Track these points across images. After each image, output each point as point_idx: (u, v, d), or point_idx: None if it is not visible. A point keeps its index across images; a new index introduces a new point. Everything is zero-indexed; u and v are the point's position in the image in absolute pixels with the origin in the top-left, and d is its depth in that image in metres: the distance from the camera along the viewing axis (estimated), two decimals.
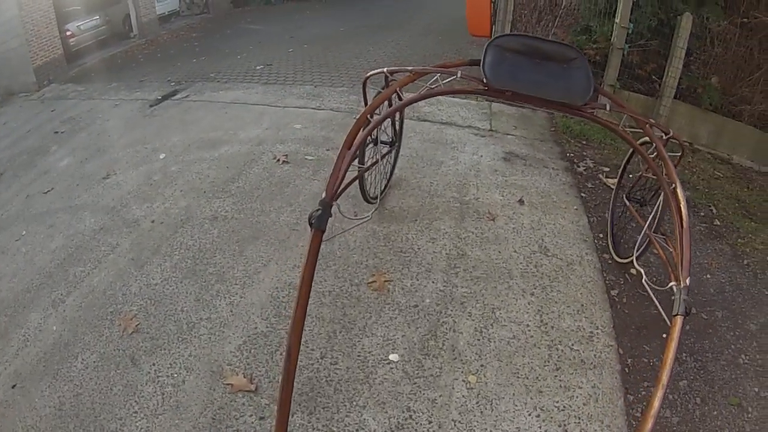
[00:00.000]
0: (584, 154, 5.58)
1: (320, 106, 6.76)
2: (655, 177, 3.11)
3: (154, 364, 3.03)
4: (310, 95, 7.26)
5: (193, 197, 4.72)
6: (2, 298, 3.90)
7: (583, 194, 4.66)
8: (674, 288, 2.06)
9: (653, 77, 6.65)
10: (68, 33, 12.24)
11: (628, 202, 3.78)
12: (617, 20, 6.05)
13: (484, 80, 2.83)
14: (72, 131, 7.42)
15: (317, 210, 2.08)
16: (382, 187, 4.28)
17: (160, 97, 8.18)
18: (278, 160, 5.25)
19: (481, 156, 5.15)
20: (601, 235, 4.17)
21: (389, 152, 4.19)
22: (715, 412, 2.88)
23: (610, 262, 3.90)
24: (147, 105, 7.89)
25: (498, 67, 2.87)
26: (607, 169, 5.28)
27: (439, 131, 5.77)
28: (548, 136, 5.75)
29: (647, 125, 3.09)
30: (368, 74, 3.47)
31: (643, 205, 3.81)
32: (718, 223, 5.14)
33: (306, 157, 5.30)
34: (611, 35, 6.20)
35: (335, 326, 3.21)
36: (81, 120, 7.86)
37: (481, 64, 2.88)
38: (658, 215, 3.27)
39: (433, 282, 3.53)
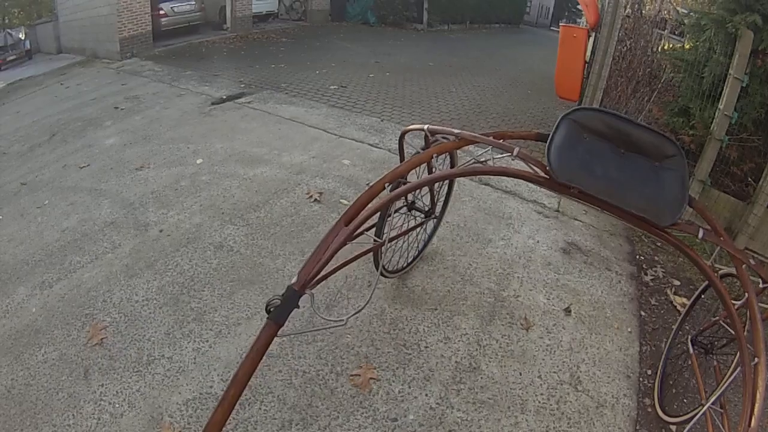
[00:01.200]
0: (656, 259, 4.90)
1: (378, 143, 6.33)
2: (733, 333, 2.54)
3: (102, 385, 2.90)
4: (372, 129, 6.87)
5: (209, 215, 4.54)
6: (4, 261, 4.09)
7: (642, 312, 4.00)
8: None
9: (749, 179, 5.88)
10: (161, 12, 12.72)
11: (691, 347, 3.14)
12: (721, 106, 5.29)
13: (548, 167, 2.23)
14: (130, 111, 7.55)
15: (279, 297, 1.78)
16: (409, 261, 3.78)
17: (224, 97, 8.14)
18: (311, 196, 4.88)
19: (538, 241, 4.53)
20: (649, 372, 3.53)
21: (422, 224, 3.65)
22: None
23: (649, 410, 3.28)
24: (209, 102, 7.89)
25: (568, 152, 2.26)
26: (677, 283, 4.60)
27: (498, 201, 5.18)
28: (620, 229, 5.09)
29: (743, 265, 2.42)
30: (406, 129, 2.94)
31: (708, 353, 3.17)
32: None
33: (341, 200, 4.89)
34: (711, 122, 5.45)
35: (294, 415, 2.77)
36: (143, 101, 8.01)
37: (547, 144, 2.28)
38: (724, 388, 2.60)
39: (426, 395, 2.98)
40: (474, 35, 19.91)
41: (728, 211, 5.78)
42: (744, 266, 2.42)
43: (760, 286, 2.53)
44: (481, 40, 18.91)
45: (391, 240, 3.29)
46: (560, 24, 5.78)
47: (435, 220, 3.90)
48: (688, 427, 2.66)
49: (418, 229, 3.67)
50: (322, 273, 1.99)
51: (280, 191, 4.94)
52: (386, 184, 2.30)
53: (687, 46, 5.93)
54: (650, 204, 2.20)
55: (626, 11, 6.16)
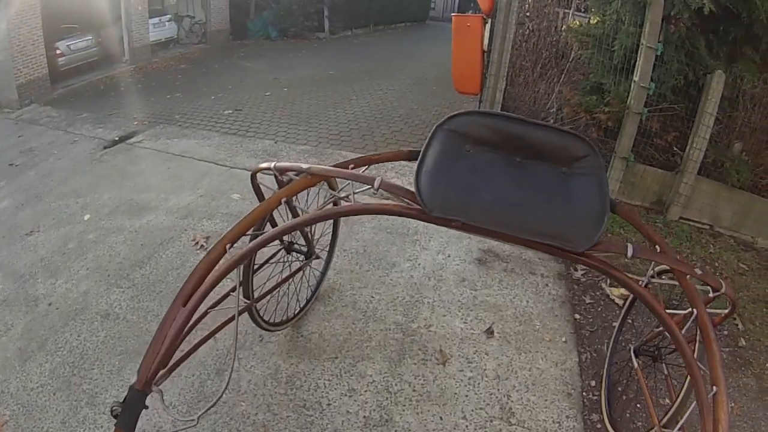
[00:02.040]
0: None
1: None
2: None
3: None
4: (265, 153, 6.39)
5: (95, 280, 4.04)
6: None
7: (577, 315, 3.61)
8: None
9: (674, 148, 5.63)
10: (57, 52, 11.98)
11: (635, 360, 2.70)
12: (636, 78, 5.01)
13: (418, 198, 1.72)
14: (25, 166, 7.07)
15: (121, 402, 1.52)
16: (297, 310, 3.28)
17: (116, 139, 7.65)
18: (197, 243, 4.39)
19: (449, 256, 4.05)
20: (593, 383, 3.14)
21: (304, 266, 3.14)
22: None
23: (599, 426, 2.89)
24: (101, 147, 7.38)
25: (445, 174, 1.75)
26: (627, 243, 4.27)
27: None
28: None
29: (686, 275, 1.97)
30: (256, 169, 2.36)
31: (657, 361, 2.79)
32: (744, 343, 4.30)
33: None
34: (628, 96, 5.16)
35: None
36: (38, 154, 7.52)
37: (417, 166, 1.77)
38: (675, 408, 2.29)
39: None
40: (378, 37, 19.58)
41: (657, 184, 5.55)
42: (686, 275, 1.97)
43: (710, 295, 2.12)
44: (385, 41, 18.58)
45: (265, 295, 2.82)
46: (452, 15, 5.37)
47: (326, 255, 3.47)
48: None
49: (304, 271, 3.20)
50: (170, 364, 1.73)
51: (165, 241, 4.48)
52: (227, 246, 1.81)
53: (593, 21, 5.70)
54: (560, 226, 1.72)
55: None
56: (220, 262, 1.79)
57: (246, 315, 2.79)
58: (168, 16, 15.73)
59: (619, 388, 3.09)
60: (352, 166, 2.14)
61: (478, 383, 2.91)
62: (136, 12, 13.75)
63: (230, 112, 8.69)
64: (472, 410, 2.76)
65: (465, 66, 5.14)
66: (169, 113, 8.91)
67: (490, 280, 3.76)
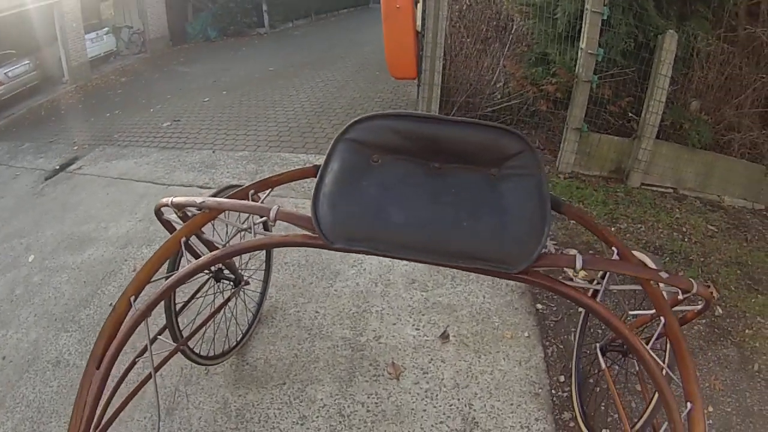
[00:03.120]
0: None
1: (209, 182, 5.56)
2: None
3: None
4: (203, 165, 6.12)
5: (43, 326, 3.87)
6: None
7: (539, 306, 3.41)
8: None
9: (629, 113, 5.48)
10: None
11: (602, 360, 2.51)
12: (582, 45, 4.83)
13: (317, 229, 1.45)
14: None
15: None
16: (238, 339, 3.03)
17: (57, 167, 7.37)
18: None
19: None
20: (562, 379, 2.95)
21: (235, 294, 2.88)
22: None
23: (572, 425, 2.72)
24: (42, 178, 7.11)
25: (347, 197, 1.46)
26: (574, 252, 4.04)
27: None
28: None
29: (649, 281, 1.71)
30: (158, 205, 2.10)
31: (627, 356, 2.62)
32: (720, 311, 4.22)
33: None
34: (575, 65, 4.97)
35: None
36: None
37: (314, 192, 1.47)
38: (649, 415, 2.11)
39: None
40: (320, 27, 19.11)
41: (614, 152, 5.42)
42: (649, 282, 1.71)
43: (679, 297, 1.90)
44: (326, 30, 18.11)
45: (196, 331, 2.58)
46: None
47: (263, 289, 3.24)
48: None
49: (239, 296, 2.96)
50: (101, 425, 1.58)
51: (107, 275, 4.25)
52: (131, 299, 1.57)
53: None
54: (490, 245, 1.43)
55: None
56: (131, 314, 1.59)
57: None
58: (105, 29, 15.34)
59: (591, 380, 2.93)
60: (253, 191, 1.88)
61: (436, 395, 2.70)
62: (71, 29, 13.38)
63: (169, 123, 8.41)
64: (432, 425, 2.56)
65: (399, 50, 4.90)
66: (108, 133, 8.66)
67: (441, 279, 3.53)
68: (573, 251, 1.50)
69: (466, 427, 2.54)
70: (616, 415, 2.83)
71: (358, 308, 3.25)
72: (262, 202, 1.99)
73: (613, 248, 1.80)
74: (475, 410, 2.63)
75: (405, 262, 3.50)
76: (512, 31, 5.56)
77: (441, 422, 2.56)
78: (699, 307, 2.00)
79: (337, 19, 20.51)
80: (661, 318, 1.65)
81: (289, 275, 3.58)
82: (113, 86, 12.94)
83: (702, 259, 4.80)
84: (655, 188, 5.72)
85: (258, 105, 8.81)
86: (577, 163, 5.35)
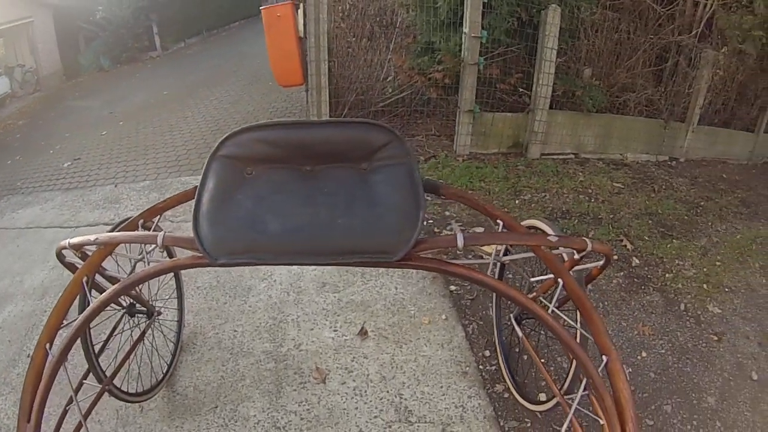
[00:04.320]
0: (447, 213, 4.42)
1: (114, 218, 5.36)
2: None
3: None
4: (107, 201, 5.89)
5: None
6: None
7: (452, 287, 3.46)
8: None
9: (520, 89, 5.62)
10: None
11: (519, 328, 2.57)
12: (466, 30, 4.93)
13: (200, 248, 1.44)
14: None
15: None
16: (164, 371, 2.94)
17: None
18: None
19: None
20: (487, 353, 3.01)
21: (147, 328, 2.78)
22: None
23: (506, 396, 2.78)
24: None
25: (225, 213, 1.48)
26: (481, 229, 4.15)
27: None
28: None
29: (542, 247, 1.80)
30: (58, 247, 1.95)
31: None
32: (637, 261, 4.38)
33: None
34: (460, 50, 5.06)
35: None
36: None
37: (193, 213, 1.48)
38: (569, 377, 2.18)
39: None
40: (212, 43, 18.64)
41: (510, 128, 5.55)
42: (542, 248, 1.81)
43: (576, 257, 1.93)
44: (219, 45, 17.77)
45: (118, 369, 2.46)
46: (261, 9, 5.05)
47: (179, 319, 3.16)
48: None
49: (155, 328, 2.91)
50: None
51: (31, 330, 3.99)
52: (47, 346, 1.58)
53: None
54: (367, 237, 1.46)
55: None
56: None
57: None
58: None
59: (516, 350, 2.99)
60: (142, 221, 1.89)
61: (365, 391, 2.70)
62: None
63: (69, 163, 8.03)
64: (367, 421, 2.55)
65: (283, 58, 4.87)
66: (11, 182, 8.18)
67: (351, 277, 3.53)
68: (455, 230, 1.50)
69: (400, 417, 2.55)
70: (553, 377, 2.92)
71: (274, 320, 3.22)
72: (153, 230, 1.98)
73: (499, 221, 1.87)
74: (406, 399, 2.64)
75: (313, 267, 3.50)
76: (397, 25, 5.61)
77: (375, 417, 2.56)
78: (601, 262, 2.05)
79: (228, 34, 20.08)
80: (559, 280, 1.73)
81: (202, 299, 3.50)
82: (11, 131, 12.31)
83: (611, 216, 4.94)
84: (555, 156, 5.87)
85: (155, 132, 8.58)
86: (474, 144, 5.46)
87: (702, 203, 6.12)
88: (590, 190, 5.40)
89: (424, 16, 5.30)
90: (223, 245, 1.44)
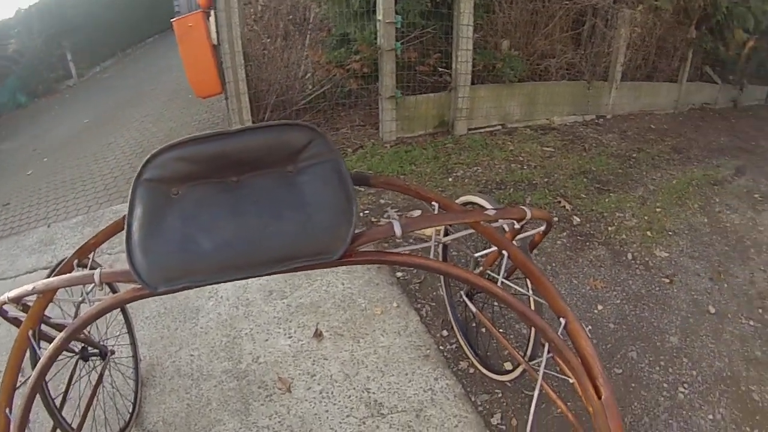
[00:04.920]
0: (381, 201, 4.42)
1: (52, 260, 5.09)
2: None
3: None
4: (42, 243, 5.66)
5: None
6: None
7: (399, 273, 3.49)
8: None
9: (440, 69, 5.66)
10: None
11: (471, 304, 2.61)
12: (380, 17, 4.91)
13: (138, 279, 1.38)
14: None
15: None
16: (130, 411, 2.81)
17: None
18: None
19: None
20: (445, 333, 3.03)
21: (103, 370, 2.66)
22: None
23: (472, 371, 2.82)
24: None
25: (154, 239, 1.41)
26: (417, 212, 4.19)
27: None
28: None
29: (479, 222, 1.76)
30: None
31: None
32: (578, 220, 4.49)
33: None
34: (376, 37, 5.05)
35: None
36: None
37: (125, 243, 1.39)
38: (531, 343, 2.24)
39: None
40: (128, 62, 17.71)
41: (434, 108, 5.59)
42: (477, 220, 1.76)
43: (516, 226, 1.95)
44: (135, 64, 17.08)
45: (83, 419, 2.37)
46: (172, 21, 4.90)
47: (130, 342, 3.03)
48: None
49: (111, 368, 2.80)
50: None
51: None
52: (6, 411, 1.50)
53: None
54: (301, 241, 1.43)
55: None
56: None
57: None
58: None
59: (474, 324, 3.00)
60: (77, 260, 1.83)
61: (332, 392, 2.67)
62: None
63: None
64: (340, 422, 2.53)
65: (199, 69, 4.73)
66: None
67: (297, 280, 3.48)
68: (391, 218, 1.51)
69: (371, 411, 2.54)
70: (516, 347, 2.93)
71: (228, 337, 3.14)
72: (90, 267, 1.90)
73: (433, 203, 1.87)
74: (373, 393, 2.64)
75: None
76: (310, 21, 5.57)
77: (347, 416, 2.55)
78: (543, 227, 2.08)
79: (143, 50, 19.43)
80: (504, 252, 1.73)
81: (153, 328, 3.36)
82: None
83: (546, 180, 5.03)
84: (482, 130, 5.95)
85: (80, 164, 8.29)
86: (400, 129, 5.47)
87: (634, 155, 6.31)
88: (521, 158, 5.49)
89: (337, 8, 5.28)
90: (160, 273, 1.38)
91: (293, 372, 2.80)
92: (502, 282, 1.80)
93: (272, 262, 1.40)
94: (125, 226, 1.42)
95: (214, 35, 4.65)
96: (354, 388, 2.67)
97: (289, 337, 3.02)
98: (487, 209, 1.80)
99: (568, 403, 2.04)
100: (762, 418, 2.97)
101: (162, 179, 1.47)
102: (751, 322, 3.68)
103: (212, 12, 4.74)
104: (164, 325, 3.26)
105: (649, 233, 4.49)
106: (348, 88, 5.31)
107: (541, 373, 1.64)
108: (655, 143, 7.05)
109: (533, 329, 2.17)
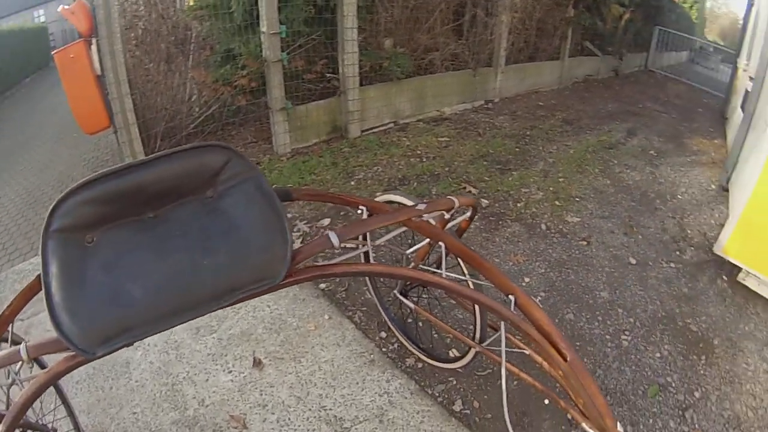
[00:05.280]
0: (288, 216, 4.30)
1: None
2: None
3: None
4: None
5: None
6: None
7: (322, 285, 3.46)
8: None
9: (328, 75, 5.66)
10: None
11: (408, 301, 2.65)
12: (264, 29, 4.83)
13: (71, 346, 1.20)
14: None
15: None
16: None
17: None
18: None
19: None
20: (383, 335, 3.05)
21: None
22: None
23: (420, 366, 2.85)
24: None
25: (78, 298, 1.22)
26: (327, 221, 4.19)
27: None
28: None
29: (410, 218, 1.72)
30: None
31: (425, 287, 2.74)
32: (487, 202, 4.63)
33: None
34: (262, 50, 4.97)
35: None
36: None
37: (47, 308, 1.20)
38: (479, 326, 2.26)
39: None
40: (5, 107, 15.54)
41: (326, 115, 5.62)
42: (409, 216, 1.73)
43: (446, 216, 1.98)
44: (14, 108, 14.82)
45: None
46: (53, 54, 4.58)
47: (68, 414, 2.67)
48: None
49: None
50: None
51: None
52: None
53: None
54: (239, 270, 1.32)
55: None
56: None
57: None
58: None
59: (410, 320, 3.03)
60: None
61: (288, 418, 2.58)
62: None
63: None
64: None
65: (83, 103, 4.42)
66: None
67: (222, 312, 3.27)
68: (327, 232, 1.47)
69: (334, 428, 2.48)
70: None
71: (166, 385, 2.92)
72: (10, 343, 1.73)
73: (360, 208, 1.86)
74: (330, 409, 2.58)
75: None
76: (192, 40, 5.41)
77: None
78: (469, 213, 2.13)
79: (23, 92, 18.09)
80: (440, 243, 1.74)
81: (87, 392, 3.02)
82: None
83: (447, 169, 5.13)
84: (376, 129, 6.03)
85: None
86: (294, 140, 5.44)
87: (528, 133, 6.58)
88: (419, 151, 5.59)
89: (219, 24, 5.15)
90: (94, 335, 1.23)
91: (243, 407, 2.68)
92: (444, 273, 1.82)
93: (213, 299, 1.29)
94: (43, 287, 1.24)
95: (97, 65, 4.39)
96: (310, 409, 2.60)
97: (229, 372, 2.89)
98: (417, 205, 1.79)
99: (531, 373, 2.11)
100: (705, 344, 3.20)
101: (73, 227, 1.29)
102: (672, 264, 3.96)
103: (94, 40, 4.48)
104: (97, 387, 2.98)
105: (557, 202, 4.68)
106: (237, 105, 5.19)
107: (503, 351, 1.65)
108: (546, 119, 7.39)
109: (479, 313, 2.22)
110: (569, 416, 2.52)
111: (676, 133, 7.88)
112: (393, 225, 1.70)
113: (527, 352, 1.89)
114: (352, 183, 4.83)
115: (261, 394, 2.71)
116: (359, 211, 1.86)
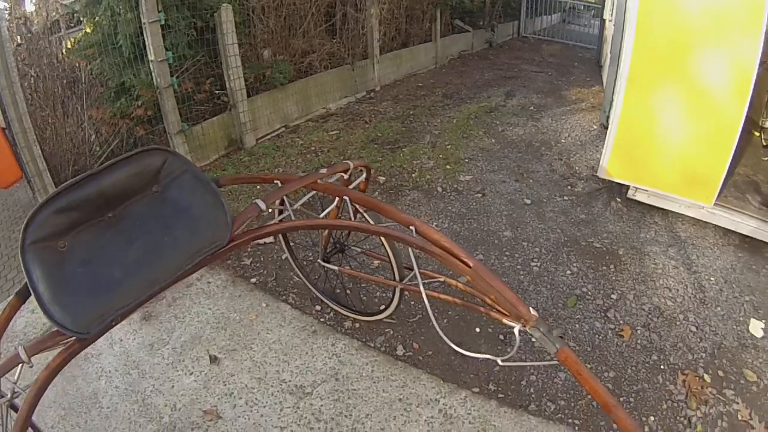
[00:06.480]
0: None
1: None
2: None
3: None
4: None
5: None
6: None
7: (253, 279, 3.69)
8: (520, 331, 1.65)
9: (216, 91, 5.86)
10: None
11: (332, 266, 3.02)
12: (152, 57, 4.96)
13: (60, 328, 1.42)
14: None
15: None
16: None
17: None
18: None
19: (120, 340, 3.36)
20: (318, 307, 3.36)
21: None
22: None
23: (358, 325, 3.21)
24: None
25: (68, 291, 1.46)
26: (255, 201, 4.44)
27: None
28: None
29: (315, 181, 2.18)
30: None
31: (345, 251, 3.10)
32: (384, 178, 5.02)
33: None
34: (153, 78, 5.13)
35: None
36: None
37: (40, 307, 1.42)
38: (395, 267, 2.58)
39: None
40: None
41: (221, 130, 5.77)
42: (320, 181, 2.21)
43: (345, 177, 2.43)
44: None
45: None
46: None
47: None
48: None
49: None
50: None
51: None
52: None
53: (89, 30, 5.38)
54: (195, 238, 1.67)
55: (15, 44, 5.29)
56: None
57: None
58: None
59: (338, 290, 3.40)
60: None
61: (256, 399, 2.80)
62: None
63: None
64: (279, 418, 2.67)
65: None
66: None
67: (168, 325, 3.38)
68: (255, 201, 1.87)
69: (298, 395, 2.75)
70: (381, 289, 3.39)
71: (137, 403, 2.94)
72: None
73: (276, 181, 2.23)
74: (289, 381, 2.84)
75: (125, 333, 3.32)
76: (83, 80, 5.47)
77: (280, 411, 2.70)
78: (365, 174, 2.55)
79: None
80: (345, 198, 2.13)
81: (57, 425, 2.92)
82: None
83: (342, 157, 5.49)
84: (269, 136, 6.28)
85: None
86: (196, 159, 5.58)
87: (411, 112, 6.99)
88: (313, 147, 5.90)
89: (109, 60, 5.20)
90: (86, 316, 1.44)
91: (212, 400, 2.84)
92: (361, 216, 2.28)
93: (182, 264, 1.63)
94: (32, 292, 1.45)
95: (0, 117, 4.47)
96: (271, 386, 2.85)
97: (191, 374, 3.02)
98: (320, 170, 2.24)
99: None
100: (611, 256, 3.68)
101: (45, 238, 1.51)
102: (566, 197, 4.43)
103: None
104: (73, 424, 2.93)
105: (448, 167, 5.11)
106: (136, 136, 5.21)
107: (418, 276, 2.06)
108: (427, 97, 7.82)
109: (392, 255, 2.54)
110: (501, 337, 2.98)
111: (554, 88, 8.48)
112: (305, 189, 2.15)
113: (442, 279, 2.31)
114: (258, 188, 5.01)
115: (225, 385, 2.91)
116: (276, 183, 2.24)
